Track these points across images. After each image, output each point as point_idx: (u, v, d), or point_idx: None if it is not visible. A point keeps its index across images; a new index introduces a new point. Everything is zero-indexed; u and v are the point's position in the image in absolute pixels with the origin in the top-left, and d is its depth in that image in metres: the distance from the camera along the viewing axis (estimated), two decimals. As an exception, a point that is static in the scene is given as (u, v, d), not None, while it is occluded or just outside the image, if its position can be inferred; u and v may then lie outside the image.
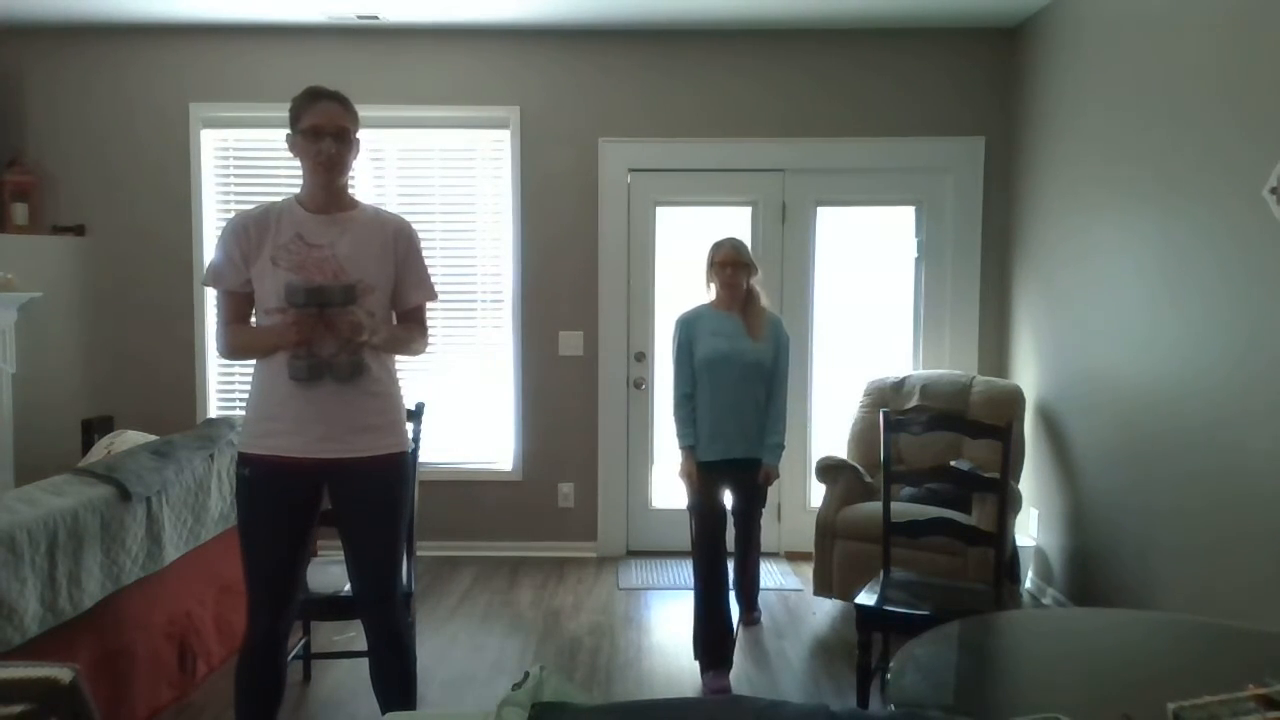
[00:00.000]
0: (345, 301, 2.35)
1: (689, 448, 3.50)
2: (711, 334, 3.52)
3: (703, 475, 3.49)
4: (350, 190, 2.57)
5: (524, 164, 4.94)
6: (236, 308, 2.47)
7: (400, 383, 2.59)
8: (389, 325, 2.51)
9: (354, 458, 2.42)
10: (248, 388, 2.51)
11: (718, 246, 3.62)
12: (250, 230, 2.43)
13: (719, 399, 3.49)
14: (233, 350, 2.50)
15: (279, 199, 2.52)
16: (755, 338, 3.52)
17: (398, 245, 2.51)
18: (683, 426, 3.53)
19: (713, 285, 3.61)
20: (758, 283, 3.63)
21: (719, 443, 3.49)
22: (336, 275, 2.39)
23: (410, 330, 2.58)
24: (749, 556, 3.98)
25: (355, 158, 2.51)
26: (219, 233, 2.53)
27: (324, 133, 2.38)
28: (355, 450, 2.42)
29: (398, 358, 2.60)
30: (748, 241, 4.95)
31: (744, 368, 3.49)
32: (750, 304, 3.58)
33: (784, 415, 3.61)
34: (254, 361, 2.47)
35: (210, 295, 5.01)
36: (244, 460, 2.44)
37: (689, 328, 3.57)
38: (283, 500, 2.44)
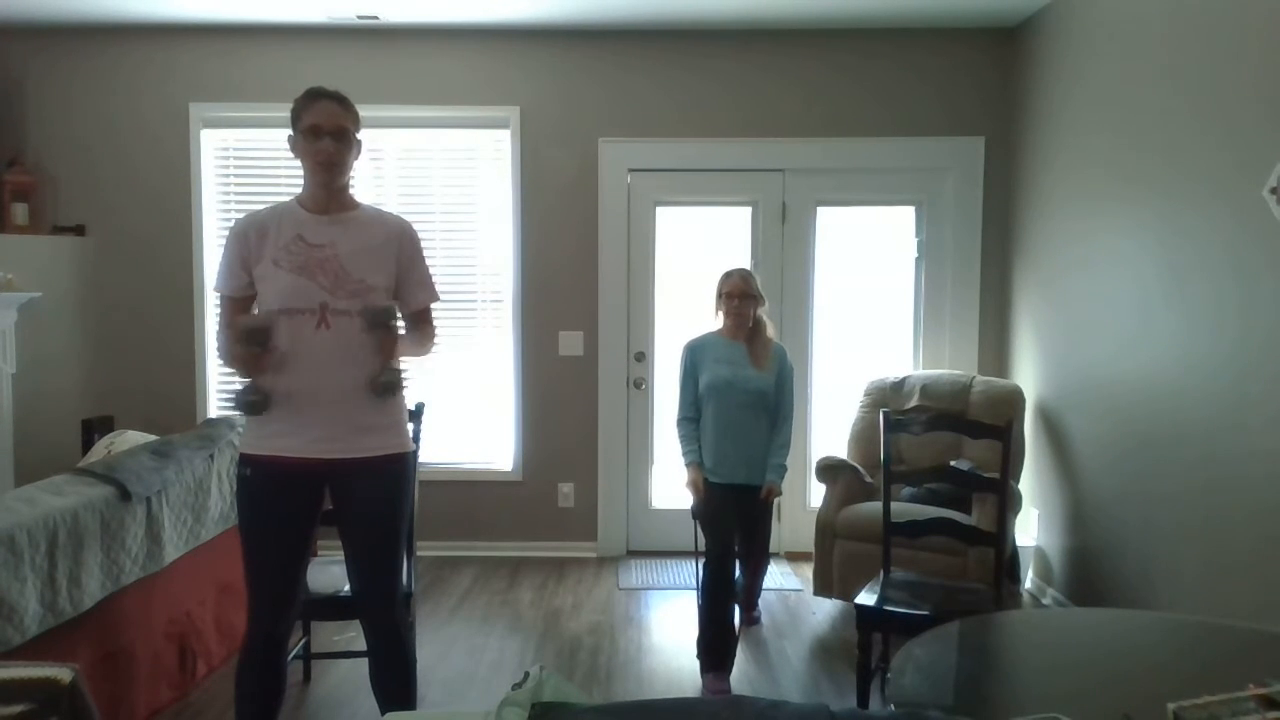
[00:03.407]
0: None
1: (693, 463, 3.61)
2: (715, 361, 3.62)
3: (710, 490, 3.57)
4: (351, 190, 2.57)
5: (524, 164, 4.94)
6: (232, 313, 2.49)
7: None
8: (402, 338, 2.53)
9: (356, 458, 2.42)
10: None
11: (726, 277, 3.69)
12: (250, 235, 2.44)
13: (722, 425, 3.59)
14: (220, 354, 2.55)
15: (284, 200, 2.52)
16: (759, 367, 3.62)
17: (402, 246, 2.52)
18: (685, 444, 3.65)
19: (720, 314, 3.68)
20: (765, 313, 3.73)
21: (722, 467, 3.58)
22: (338, 276, 2.39)
23: (422, 331, 2.60)
24: (757, 569, 3.98)
25: (356, 158, 2.51)
26: (221, 235, 2.56)
27: (323, 132, 2.39)
28: (357, 451, 2.42)
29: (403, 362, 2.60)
30: (748, 242, 5.02)
31: (746, 395, 3.58)
32: (756, 334, 3.67)
33: (788, 444, 3.70)
34: None
35: (210, 292, 5.02)
36: (245, 461, 2.45)
37: (695, 354, 3.68)
38: (284, 501, 2.44)
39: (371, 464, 2.44)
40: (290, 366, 2.38)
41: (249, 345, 2.33)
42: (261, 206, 2.57)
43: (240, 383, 2.42)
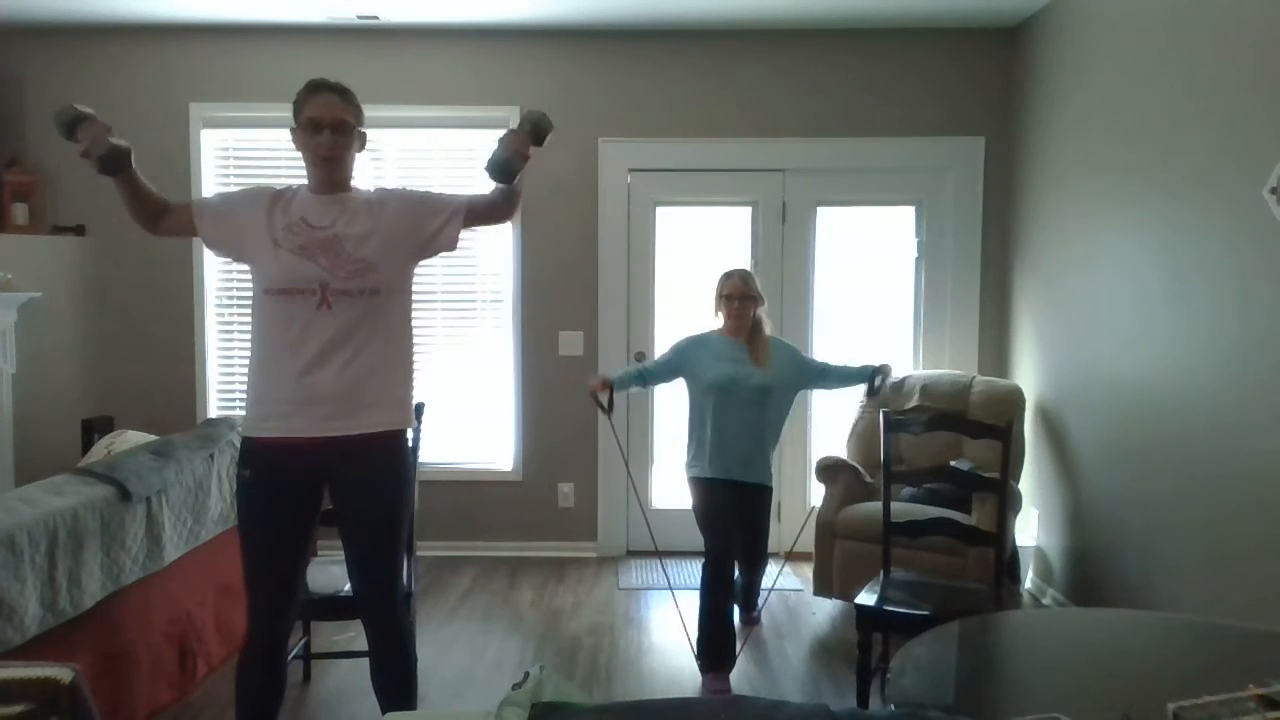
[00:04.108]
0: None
1: (613, 380, 3.63)
2: (717, 359, 3.65)
3: (708, 487, 3.60)
4: (353, 183, 2.56)
5: (524, 164, 4.93)
6: (177, 204, 2.47)
7: (409, 363, 2.57)
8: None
9: (356, 435, 2.40)
10: (246, 386, 2.51)
11: (726, 278, 3.73)
12: (264, 203, 2.44)
13: (722, 423, 3.61)
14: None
15: (295, 184, 2.52)
16: (760, 365, 3.64)
17: (397, 210, 2.48)
18: (621, 374, 3.72)
19: (720, 314, 3.71)
20: (764, 312, 3.76)
21: (719, 463, 3.61)
22: (338, 256, 2.39)
23: (491, 200, 2.60)
24: (755, 569, 3.99)
25: (360, 150, 2.51)
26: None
27: (322, 125, 2.39)
28: (359, 427, 2.40)
29: (415, 351, 2.59)
30: (748, 242, 5.02)
31: (748, 392, 3.61)
32: (756, 333, 3.70)
33: (842, 365, 3.84)
34: (250, 348, 2.47)
35: (210, 291, 5.03)
36: (245, 455, 2.44)
37: (694, 346, 3.73)
38: (283, 501, 2.43)
39: (371, 442, 2.42)
40: (292, 347, 2.38)
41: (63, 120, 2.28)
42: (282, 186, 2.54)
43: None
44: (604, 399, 3.59)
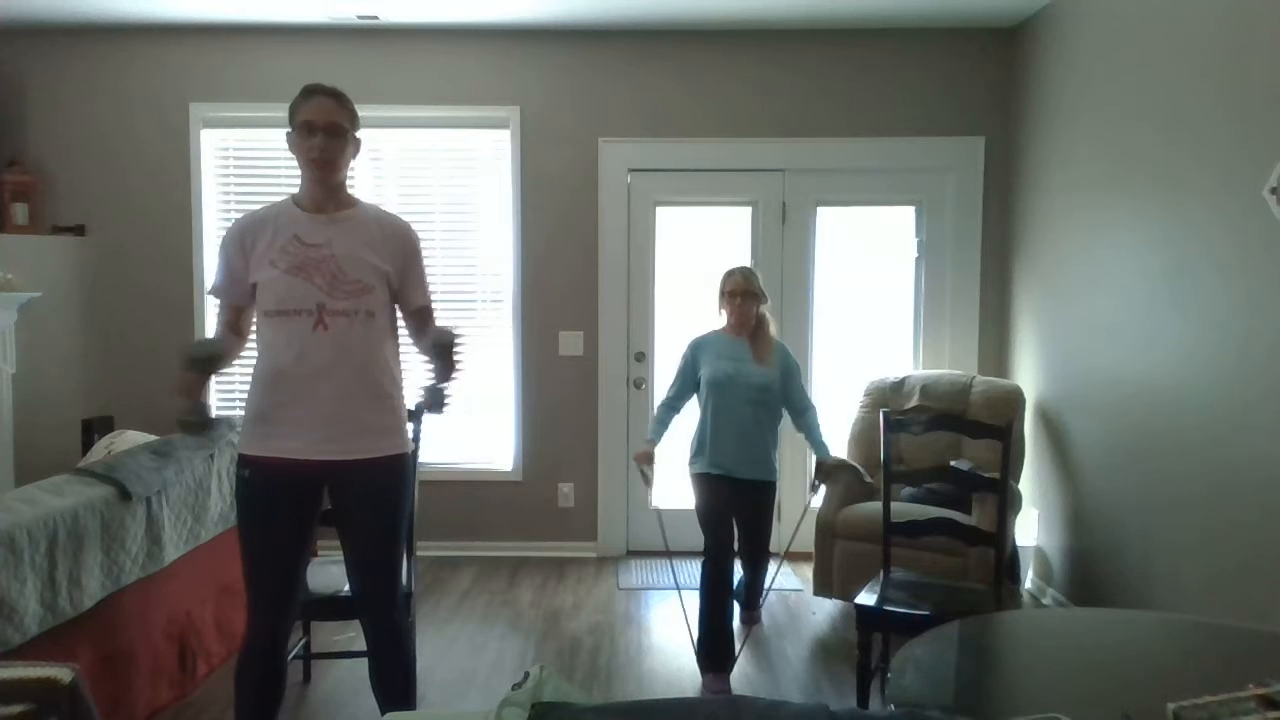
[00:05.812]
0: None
1: (650, 441, 3.76)
2: (718, 357, 3.67)
3: (708, 483, 3.61)
4: (350, 189, 2.56)
5: (524, 164, 4.94)
6: (230, 316, 2.52)
7: (403, 385, 2.59)
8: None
9: (354, 459, 2.41)
10: (247, 388, 2.51)
11: (729, 275, 3.74)
12: (246, 238, 2.44)
13: (722, 419, 3.63)
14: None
15: (279, 199, 2.52)
16: (761, 362, 3.65)
17: (401, 247, 2.50)
18: (654, 424, 3.78)
19: (724, 312, 3.72)
20: (767, 310, 3.77)
21: (719, 459, 3.62)
22: (335, 276, 2.39)
23: (429, 327, 2.59)
24: (757, 567, 3.99)
25: (355, 155, 2.50)
26: (220, 235, 2.55)
27: (315, 128, 2.38)
28: (356, 452, 2.42)
29: (403, 362, 2.60)
30: (748, 242, 5.02)
31: (749, 390, 3.62)
32: (759, 331, 3.72)
33: (818, 426, 3.79)
34: (253, 362, 2.47)
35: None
36: (244, 462, 2.44)
37: (696, 351, 3.75)
38: (283, 501, 2.44)
39: (370, 465, 2.43)
40: (289, 368, 2.38)
41: (195, 369, 2.35)
42: (258, 206, 2.56)
43: (180, 404, 2.38)
44: (650, 473, 3.68)
